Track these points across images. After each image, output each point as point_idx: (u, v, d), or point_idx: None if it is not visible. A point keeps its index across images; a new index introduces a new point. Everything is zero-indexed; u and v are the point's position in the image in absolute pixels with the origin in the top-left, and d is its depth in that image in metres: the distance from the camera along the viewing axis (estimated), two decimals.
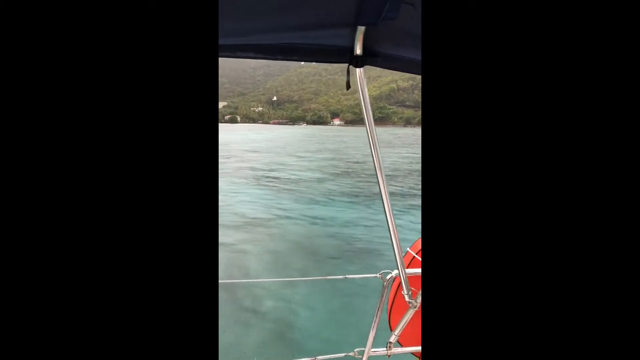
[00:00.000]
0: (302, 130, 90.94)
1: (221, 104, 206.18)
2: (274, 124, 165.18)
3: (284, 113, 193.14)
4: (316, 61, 1.05)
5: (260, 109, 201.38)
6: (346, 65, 1.00)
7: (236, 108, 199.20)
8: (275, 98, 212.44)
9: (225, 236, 7.13)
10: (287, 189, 12.56)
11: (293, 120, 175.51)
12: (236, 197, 11.17)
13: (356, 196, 11.59)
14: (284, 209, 9.63)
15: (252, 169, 17.85)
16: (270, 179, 14.75)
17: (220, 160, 20.64)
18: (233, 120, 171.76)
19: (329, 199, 11.10)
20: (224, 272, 5.45)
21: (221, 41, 0.92)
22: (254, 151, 28.00)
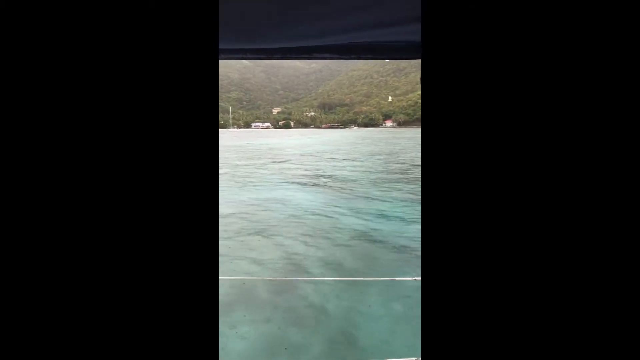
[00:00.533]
0: (354, 133, 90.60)
1: (275, 110, 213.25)
2: (325, 127, 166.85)
3: (336, 117, 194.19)
4: (389, 58, 1.06)
5: (312, 113, 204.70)
6: (409, 61, 0.97)
7: (290, 114, 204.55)
8: (326, 102, 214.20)
9: (288, 239, 7.32)
10: (346, 192, 12.58)
11: (344, 124, 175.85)
12: (295, 200, 11.43)
13: (417, 196, 11.27)
14: (345, 212, 9.66)
15: (308, 171, 18.16)
16: (326, 182, 14.90)
17: (276, 165, 21.35)
18: (287, 126, 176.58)
19: (392, 201, 10.92)
20: (289, 272, 5.59)
21: (297, 43, 0.97)
22: (310, 155, 28.46)
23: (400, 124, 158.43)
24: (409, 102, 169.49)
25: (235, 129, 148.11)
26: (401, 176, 16.21)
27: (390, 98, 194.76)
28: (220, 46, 1.02)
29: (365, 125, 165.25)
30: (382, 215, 9.13)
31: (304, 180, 15.39)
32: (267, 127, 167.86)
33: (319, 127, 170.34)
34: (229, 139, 58.64)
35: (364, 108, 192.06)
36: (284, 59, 1.10)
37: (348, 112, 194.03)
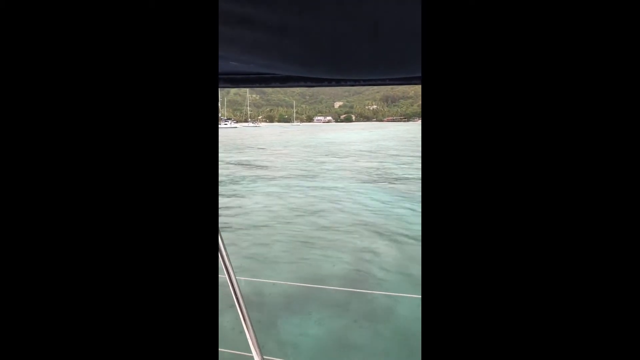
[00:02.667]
0: (417, 127, 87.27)
1: (337, 104, 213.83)
2: (387, 121, 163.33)
3: (399, 110, 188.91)
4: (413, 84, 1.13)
5: (374, 106, 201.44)
6: None
7: (351, 107, 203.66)
8: (389, 95, 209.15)
9: (354, 241, 7.09)
10: (411, 192, 11.98)
11: (408, 117, 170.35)
12: (359, 201, 11.15)
13: None
14: (413, 214, 9.15)
15: (369, 170, 17.73)
16: (391, 181, 14.36)
17: (334, 160, 21.13)
18: (348, 120, 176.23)
19: None
20: (352, 283, 5.35)
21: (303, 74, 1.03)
22: (371, 152, 27.89)
23: None
24: None
25: (299, 123, 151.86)
26: None
27: None
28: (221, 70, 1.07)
29: None
30: None
31: (368, 178, 14.94)
32: (329, 121, 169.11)
33: (381, 121, 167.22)
34: (292, 134, 59.99)
35: None
36: (288, 87, 1.15)
37: (412, 105, 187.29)
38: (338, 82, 1.11)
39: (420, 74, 0.99)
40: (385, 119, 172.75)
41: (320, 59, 0.87)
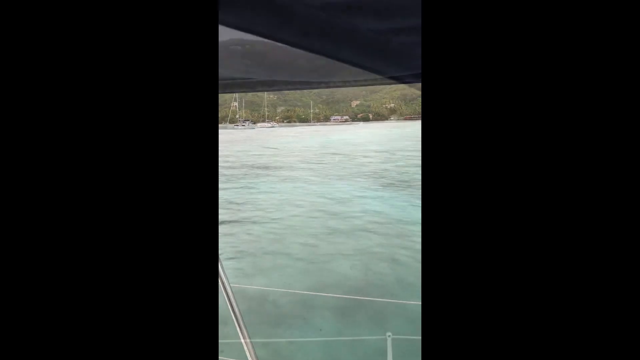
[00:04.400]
0: None
1: (354, 103, 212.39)
2: (406, 119, 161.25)
3: (417, 107, 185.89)
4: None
5: (392, 105, 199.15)
6: None
7: (368, 106, 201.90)
8: (407, 92, 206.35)
9: (376, 247, 7.04)
10: None
11: None
12: (375, 205, 11.05)
13: None
14: None
15: (386, 171, 17.54)
16: (409, 184, 14.17)
17: (350, 163, 21.01)
18: (365, 119, 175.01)
19: None
20: (364, 289, 5.31)
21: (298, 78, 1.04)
22: (387, 151, 27.58)
23: None
24: None
25: (315, 123, 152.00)
26: None
27: None
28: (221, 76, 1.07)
29: None
30: None
31: (384, 181, 14.70)
32: (346, 121, 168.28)
33: (399, 120, 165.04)
34: (307, 134, 60.00)
35: None
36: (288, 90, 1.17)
37: None
38: (327, 84, 1.12)
39: (407, 72, 1.00)
40: (402, 118, 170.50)
41: (298, 66, 0.88)
